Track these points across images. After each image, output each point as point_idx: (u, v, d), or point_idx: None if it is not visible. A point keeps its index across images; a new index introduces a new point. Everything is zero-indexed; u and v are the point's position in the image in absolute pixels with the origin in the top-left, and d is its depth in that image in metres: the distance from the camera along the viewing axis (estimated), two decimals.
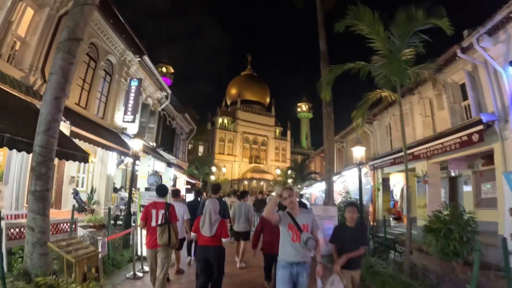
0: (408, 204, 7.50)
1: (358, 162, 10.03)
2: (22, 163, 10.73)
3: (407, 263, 6.87)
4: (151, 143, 21.07)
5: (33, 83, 10.56)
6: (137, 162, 17.81)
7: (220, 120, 56.16)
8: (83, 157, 9.96)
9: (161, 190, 6.51)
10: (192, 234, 5.79)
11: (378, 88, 8.73)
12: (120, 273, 7.35)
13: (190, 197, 13.56)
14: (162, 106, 23.29)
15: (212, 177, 37.75)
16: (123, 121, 16.42)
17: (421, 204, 13.56)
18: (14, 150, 9.91)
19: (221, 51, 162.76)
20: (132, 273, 7.20)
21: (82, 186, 16.06)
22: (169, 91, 23.26)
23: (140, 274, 7.31)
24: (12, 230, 7.00)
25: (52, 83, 6.48)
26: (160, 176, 9.05)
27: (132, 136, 10.80)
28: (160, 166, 22.26)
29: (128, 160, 16.90)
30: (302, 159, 37.99)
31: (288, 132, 63.58)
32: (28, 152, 7.75)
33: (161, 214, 5.89)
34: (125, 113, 16.46)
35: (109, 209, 8.44)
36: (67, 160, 9.27)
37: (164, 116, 25.38)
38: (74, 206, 8.75)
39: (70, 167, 15.70)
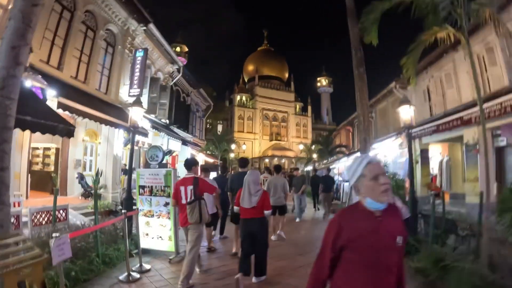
0: (486, 176, 5.66)
1: (406, 125, 8.14)
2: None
3: (486, 253, 5.13)
4: (163, 120, 19.62)
5: None
6: (146, 140, 16.59)
7: (238, 97, 54.57)
8: (67, 130, 8.37)
9: (188, 163, 6.06)
10: (235, 208, 5.76)
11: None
12: (112, 273, 5.76)
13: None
14: (174, 80, 21.78)
15: (232, 155, 36.28)
16: (129, 96, 14.87)
17: (471, 177, 11.69)
18: None
19: (236, 31, 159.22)
20: (126, 274, 5.59)
21: (90, 170, 14.76)
22: (180, 63, 21.63)
23: (137, 275, 5.68)
24: None
25: (9, 30, 4.84)
26: (162, 149, 7.36)
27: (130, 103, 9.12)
28: (175, 145, 21.00)
29: (139, 138, 15.49)
30: (327, 133, 35.78)
31: (309, 108, 61.66)
32: None
33: (190, 190, 5.57)
34: (130, 87, 14.92)
35: (95, 191, 6.79)
36: (44, 133, 7.81)
37: (177, 91, 23.87)
38: (57, 190, 7.31)
39: (75, 150, 14.54)
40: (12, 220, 6.46)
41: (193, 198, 5.44)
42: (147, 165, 7.52)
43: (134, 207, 7.32)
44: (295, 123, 59.04)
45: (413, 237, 7.23)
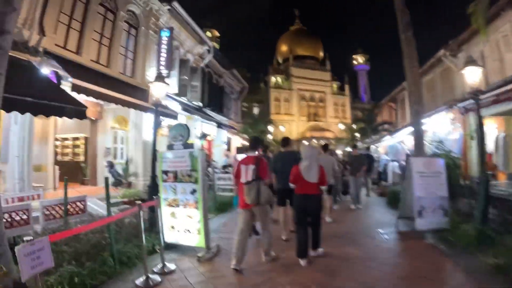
0: None
1: (474, 90, 6.83)
2: (24, 136, 9.00)
3: None
4: (195, 103, 18.83)
5: (29, 38, 8.85)
6: (171, 121, 15.96)
7: (273, 79, 52.79)
8: (77, 112, 7.55)
9: (253, 142, 5.97)
10: (291, 185, 5.69)
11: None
12: (129, 276, 4.85)
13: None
14: (205, 62, 20.83)
15: (270, 136, 35.16)
16: None
17: None
18: (13, 123, 8.65)
19: (265, 11, 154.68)
20: (144, 278, 4.67)
21: (121, 158, 14.18)
22: (211, 44, 20.68)
23: (158, 278, 4.76)
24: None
25: None
26: (187, 127, 6.37)
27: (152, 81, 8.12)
28: (210, 129, 20.31)
29: (170, 122, 14.81)
30: (367, 112, 33.61)
31: (346, 87, 59.09)
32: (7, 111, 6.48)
33: (251, 169, 5.27)
34: (157, 69, 14.16)
35: (107, 179, 5.74)
36: (48, 115, 7.16)
37: (209, 73, 23.00)
38: (66, 179, 6.46)
39: (105, 139, 14.14)
40: (22, 215, 5.81)
41: (253, 178, 5.20)
42: (170, 148, 6.58)
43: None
44: (333, 102, 56.87)
45: (485, 225, 6.09)
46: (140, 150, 13.45)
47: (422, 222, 6.93)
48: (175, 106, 14.63)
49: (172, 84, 16.39)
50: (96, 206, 9.31)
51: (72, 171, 14.17)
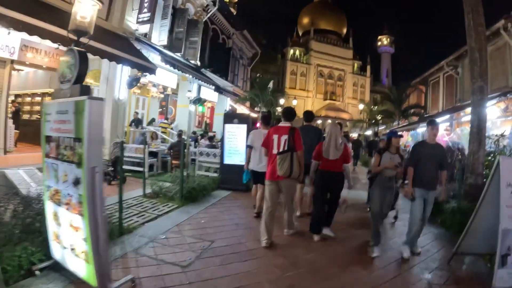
0: None
1: None
2: None
3: None
4: (193, 62, 16.04)
5: None
6: (164, 83, 13.36)
7: (291, 51, 50.36)
8: None
9: (287, 113, 5.45)
10: (314, 162, 5.53)
11: None
12: None
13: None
14: (208, 15, 17.97)
15: (279, 109, 31.98)
16: (137, 22, 11.60)
17: None
18: None
19: None
20: None
21: None
22: None
23: None
24: None
25: None
26: (83, 56, 3.40)
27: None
28: (210, 94, 18.03)
29: (150, 79, 12.27)
30: (400, 87, 28.97)
31: (368, 68, 56.53)
32: None
33: (284, 140, 5.02)
34: (139, 12, 11.63)
35: None
36: None
37: (215, 31, 20.30)
38: None
39: None
40: None
41: (286, 148, 4.95)
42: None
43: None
44: (352, 83, 54.44)
45: None
46: (109, 110, 10.83)
47: (506, 275, 3.73)
48: (154, 57, 11.83)
49: (161, 34, 13.57)
50: (29, 178, 7.36)
51: (39, 132, 11.97)
